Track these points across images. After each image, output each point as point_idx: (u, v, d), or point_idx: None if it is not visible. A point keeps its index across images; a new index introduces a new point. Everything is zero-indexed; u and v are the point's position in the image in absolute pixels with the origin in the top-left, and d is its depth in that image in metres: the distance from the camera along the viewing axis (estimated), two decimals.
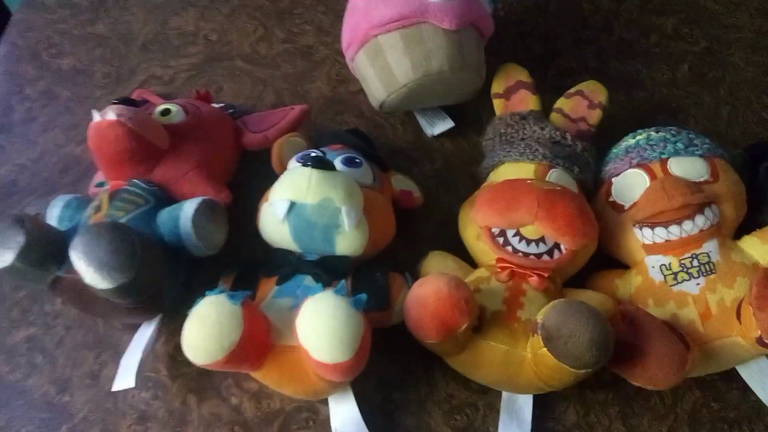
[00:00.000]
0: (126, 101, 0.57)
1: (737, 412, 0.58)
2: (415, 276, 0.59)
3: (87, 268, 0.45)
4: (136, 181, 0.56)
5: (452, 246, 0.62)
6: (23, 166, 0.68)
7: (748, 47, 0.82)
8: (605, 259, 0.61)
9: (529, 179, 0.58)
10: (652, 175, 0.59)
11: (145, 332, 0.55)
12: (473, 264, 0.60)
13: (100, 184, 0.60)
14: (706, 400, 0.58)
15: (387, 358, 0.57)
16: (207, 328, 0.47)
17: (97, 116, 0.54)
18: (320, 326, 0.46)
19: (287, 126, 0.65)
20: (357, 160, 0.60)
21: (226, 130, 0.64)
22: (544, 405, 0.56)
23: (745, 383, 0.56)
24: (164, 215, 0.54)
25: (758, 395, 0.56)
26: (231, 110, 0.69)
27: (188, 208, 0.53)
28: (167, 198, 0.57)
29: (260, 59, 0.78)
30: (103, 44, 0.78)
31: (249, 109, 0.71)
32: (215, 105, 0.69)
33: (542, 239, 0.56)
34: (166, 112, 0.61)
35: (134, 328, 0.56)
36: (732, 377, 0.57)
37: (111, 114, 0.53)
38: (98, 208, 0.54)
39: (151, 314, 0.55)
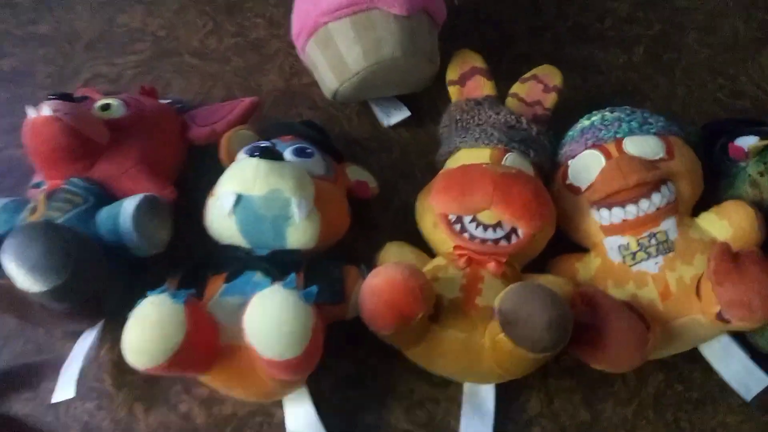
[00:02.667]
0: (63, 96, 0.54)
1: (701, 392, 0.57)
2: (372, 268, 0.57)
3: (18, 271, 0.43)
4: (74, 179, 0.54)
5: (411, 236, 0.60)
6: None
7: (701, 29, 0.82)
8: (565, 243, 0.60)
9: (485, 163, 0.57)
10: (608, 155, 0.58)
11: (86, 340, 0.53)
12: (432, 254, 0.59)
13: (38, 185, 0.57)
14: (669, 381, 0.58)
15: (344, 355, 0.56)
16: (148, 330, 0.44)
17: (32, 112, 0.52)
18: (267, 321, 0.44)
19: (236, 118, 0.63)
20: (308, 151, 0.58)
21: (170, 124, 0.62)
22: (506, 395, 0.55)
23: (708, 363, 0.56)
24: (103, 214, 0.52)
25: (721, 375, 0.55)
26: (179, 105, 0.67)
27: (128, 205, 0.51)
28: (108, 196, 0.55)
29: (209, 54, 0.76)
30: (46, 44, 0.76)
31: (199, 104, 0.69)
32: (162, 101, 0.66)
33: (499, 224, 0.55)
34: (105, 107, 0.58)
35: (76, 336, 0.53)
36: (695, 358, 0.57)
37: (46, 110, 0.51)
38: (34, 210, 0.52)
39: (92, 320, 0.53)
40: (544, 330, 0.45)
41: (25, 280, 0.43)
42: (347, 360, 0.56)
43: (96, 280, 0.49)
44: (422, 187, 0.63)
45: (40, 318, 0.51)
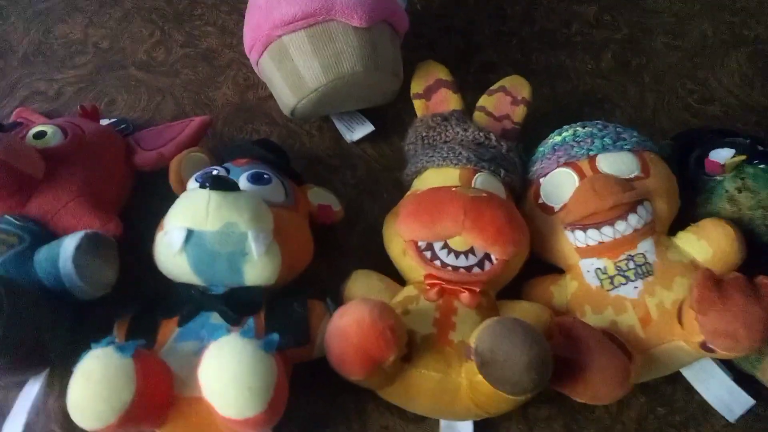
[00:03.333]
0: None
1: (684, 414, 0.55)
2: (339, 300, 0.54)
3: None
4: (7, 216, 0.49)
5: (379, 260, 0.57)
6: None
7: (669, 32, 0.80)
8: (538, 263, 0.58)
9: (454, 186, 0.54)
10: (581, 174, 0.56)
11: (31, 390, 0.48)
12: (402, 280, 0.56)
13: None
14: (651, 405, 0.56)
15: (312, 394, 0.52)
16: (93, 388, 0.40)
17: None
18: (224, 377, 0.40)
19: (186, 140, 0.59)
20: (266, 176, 0.54)
21: (113, 150, 0.57)
22: (485, 427, 0.52)
23: (689, 384, 0.54)
24: (41, 255, 0.47)
25: (703, 396, 0.54)
26: (123, 125, 0.62)
27: (68, 245, 0.46)
28: (46, 234, 0.50)
29: (157, 66, 0.71)
30: None
31: (146, 123, 0.64)
32: (105, 121, 0.61)
33: (471, 250, 0.52)
34: (40, 135, 0.53)
35: (19, 387, 0.49)
36: (675, 379, 0.55)
37: None
38: None
39: (35, 370, 0.48)
40: (524, 372, 0.43)
41: None
42: (315, 398, 0.53)
43: (35, 329, 0.44)
44: (389, 206, 0.60)
45: None
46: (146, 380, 0.42)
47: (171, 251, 0.48)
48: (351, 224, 0.62)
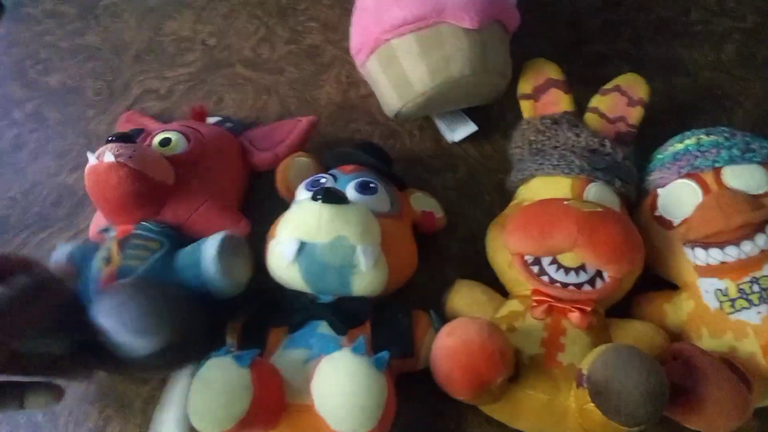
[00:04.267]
0: (122, 137, 0.51)
1: None
2: (440, 311, 0.54)
3: (122, 334, 0.42)
4: (145, 223, 0.52)
5: (479, 267, 0.56)
6: (14, 200, 0.64)
7: None
8: (649, 275, 0.55)
9: (566, 199, 0.52)
10: (705, 187, 0.52)
11: (181, 384, 0.49)
12: (503, 290, 0.55)
13: (106, 230, 0.54)
14: (766, 429, 0.53)
15: (414, 402, 0.52)
16: (213, 395, 0.42)
17: (92, 159, 0.49)
18: (338, 393, 0.41)
19: (297, 141, 0.60)
20: (372, 185, 0.54)
21: (232, 151, 0.59)
22: None
23: None
24: (183, 260, 0.50)
25: None
26: (229, 125, 0.63)
27: (209, 249, 0.48)
28: (182, 237, 0.52)
29: (263, 64, 0.72)
30: (94, 56, 0.73)
31: (247, 121, 0.65)
32: (210, 120, 0.63)
33: (582, 267, 0.50)
34: (165, 142, 0.55)
35: (140, 378, 0.52)
36: None
37: (109, 156, 0.48)
38: (108, 260, 0.50)
39: (181, 367, 0.50)
40: (640, 404, 0.41)
41: (129, 343, 0.42)
42: (417, 406, 0.53)
43: (198, 333, 0.47)
44: (491, 210, 0.59)
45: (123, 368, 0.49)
46: (262, 388, 0.43)
47: (283, 261, 0.49)
48: (451, 229, 0.61)
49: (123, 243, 0.50)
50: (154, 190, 0.51)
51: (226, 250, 0.48)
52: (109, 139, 0.51)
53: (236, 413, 0.42)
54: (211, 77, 0.71)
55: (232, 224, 0.53)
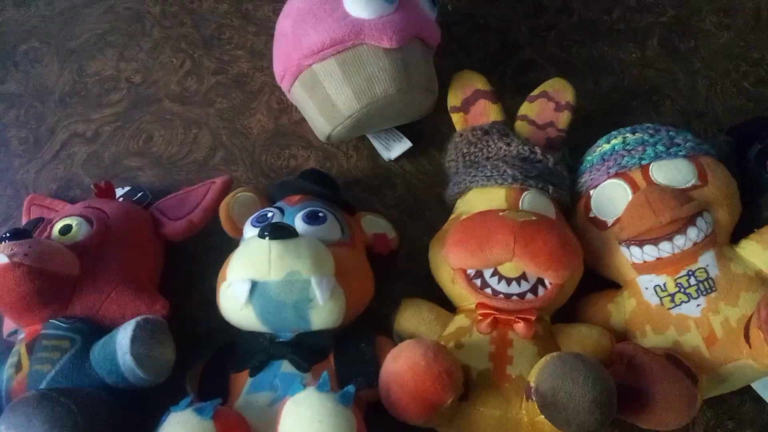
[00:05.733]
0: (16, 234, 0.48)
1: (754, 427, 0.54)
2: (390, 333, 0.53)
3: None
4: (53, 321, 0.49)
5: (426, 284, 0.56)
6: None
7: (719, 10, 0.76)
8: (590, 275, 0.55)
9: (501, 210, 0.52)
10: (634, 186, 0.53)
11: None
12: (451, 305, 0.55)
13: (14, 332, 0.51)
14: (720, 419, 0.54)
15: (373, 427, 0.51)
16: None
17: None
18: None
19: (212, 204, 0.57)
20: (321, 214, 0.53)
21: (141, 227, 0.56)
22: None
23: (758, 395, 0.52)
24: (97, 355, 0.47)
25: None
26: (140, 193, 0.61)
27: (122, 339, 0.45)
28: (95, 329, 0.49)
29: (191, 97, 0.70)
30: (16, 104, 0.71)
31: (158, 186, 0.63)
32: (120, 191, 0.61)
33: (524, 276, 0.50)
34: (66, 230, 0.52)
35: None
36: (744, 390, 0.53)
37: (2, 257, 0.45)
38: (18, 366, 0.47)
39: None
40: (588, 412, 0.41)
41: None
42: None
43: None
44: (432, 225, 0.59)
45: None
46: None
47: (237, 304, 0.48)
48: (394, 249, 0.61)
49: (32, 346, 0.48)
50: (57, 285, 0.48)
51: (141, 337, 0.46)
52: (2, 237, 0.47)
53: None
54: (138, 115, 0.69)
55: (147, 307, 0.51)
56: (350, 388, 0.42)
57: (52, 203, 0.61)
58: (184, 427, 0.41)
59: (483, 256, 0.50)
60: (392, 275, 0.59)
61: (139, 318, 0.47)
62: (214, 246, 0.56)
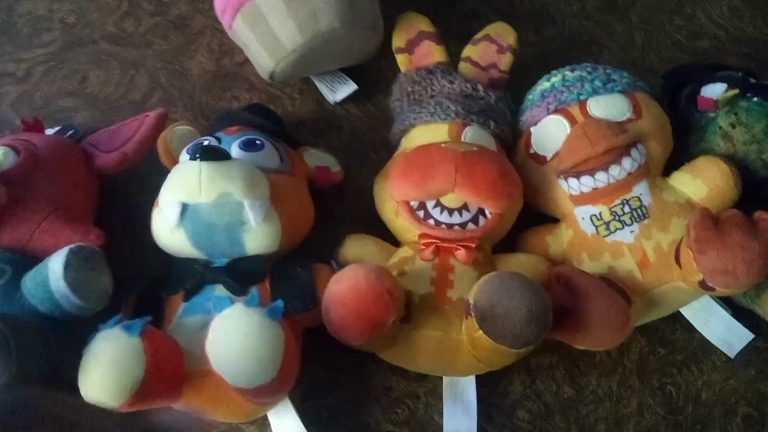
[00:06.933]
0: None
1: (684, 353, 0.56)
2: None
3: None
4: None
5: (372, 223, 0.56)
6: None
7: None
8: (531, 213, 0.57)
9: (444, 142, 0.53)
10: (572, 120, 0.54)
11: None
12: (396, 242, 0.55)
13: None
14: (652, 346, 0.56)
15: (314, 360, 0.52)
16: (104, 369, 0.40)
17: None
18: (232, 348, 0.40)
19: (147, 136, 0.55)
20: (258, 142, 0.52)
21: (72, 158, 0.54)
22: (487, 381, 0.52)
23: (689, 323, 0.55)
24: (29, 283, 0.45)
25: (703, 333, 0.54)
26: (71, 131, 0.58)
27: (55, 265, 0.44)
28: (26, 260, 0.47)
29: (128, 38, 0.68)
30: None
31: (93, 128, 0.60)
32: (50, 131, 0.58)
33: (465, 207, 0.51)
34: None
35: None
36: (675, 318, 0.55)
37: None
38: None
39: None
40: (524, 324, 0.42)
41: None
42: (318, 364, 0.53)
43: (47, 359, 0.42)
44: (378, 167, 0.59)
45: None
46: (156, 357, 0.41)
47: (168, 227, 0.47)
48: (340, 189, 0.61)
49: None
50: None
51: (75, 263, 0.44)
52: None
53: (130, 384, 0.40)
54: (72, 56, 0.66)
55: (81, 236, 0.49)
56: (278, 303, 0.42)
57: None
58: (112, 344, 0.41)
59: (425, 186, 0.50)
60: (337, 216, 0.60)
61: (72, 245, 0.45)
62: (150, 187, 0.54)
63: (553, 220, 0.57)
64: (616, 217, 0.52)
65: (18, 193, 0.48)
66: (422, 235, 0.52)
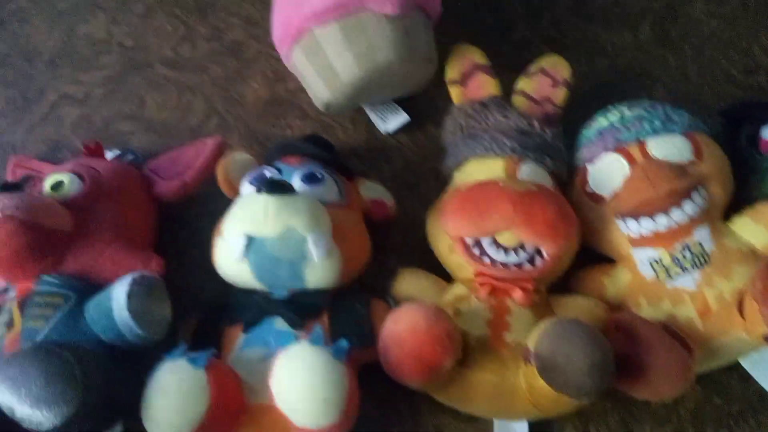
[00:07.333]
0: (6, 187, 0.47)
1: (741, 404, 0.54)
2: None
3: (21, 408, 0.38)
4: (46, 277, 0.47)
5: (422, 255, 0.56)
6: None
7: None
8: (585, 251, 0.56)
9: (500, 179, 0.53)
10: (631, 160, 0.54)
11: None
12: (448, 277, 0.55)
13: (5, 290, 0.50)
14: (708, 395, 0.54)
15: (365, 394, 0.51)
16: (168, 401, 0.41)
17: None
18: (298, 387, 0.40)
19: (205, 164, 0.56)
20: (318, 175, 0.53)
21: (134, 186, 0.55)
22: (539, 425, 0.51)
23: (746, 372, 0.53)
24: (93, 312, 0.45)
25: (761, 384, 0.53)
26: (131, 156, 0.60)
27: (119, 295, 0.44)
28: (89, 286, 0.48)
29: (185, 63, 0.69)
30: (4, 63, 0.69)
31: (150, 151, 0.62)
32: (110, 154, 0.59)
33: (521, 246, 0.51)
34: (57, 186, 0.50)
35: None
36: (732, 367, 0.53)
37: None
38: (10, 324, 0.46)
39: (108, 426, 0.46)
40: (586, 375, 0.42)
41: (29, 417, 0.38)
42: (369, 399, 0.51)
43: (107, 390, 0.43)
44: (429, 198, 0.59)
45: None
46: (219, 390, 0.42)
47: (232, 258, 0.48)
48: (391, 219, 0.60)
49: (24, 303, 0.46)
50: (50, 240, 0.47)
51: (137, 292, 0.45)
52: None
53: (193, 418, 0.41)
54: (130, 79, 0.68)
55: (143, 264, 0.49)
56: (343, 342, 0.42)
57: (37, 165, 0.60)
58: (177, 375, 0.41)
59: (482, 224, 0.50)
60: (388, 248, 0.59)
61: (135, 274, 0.46)
62: (211, 212, 0.54)
63: (609, 260, 0.56)
64: (677, 263, 0.51)
65: (82, 220, 0.49)
66: (478, 273, 0.51)
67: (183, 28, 0.71)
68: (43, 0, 0.73)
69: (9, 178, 0.59)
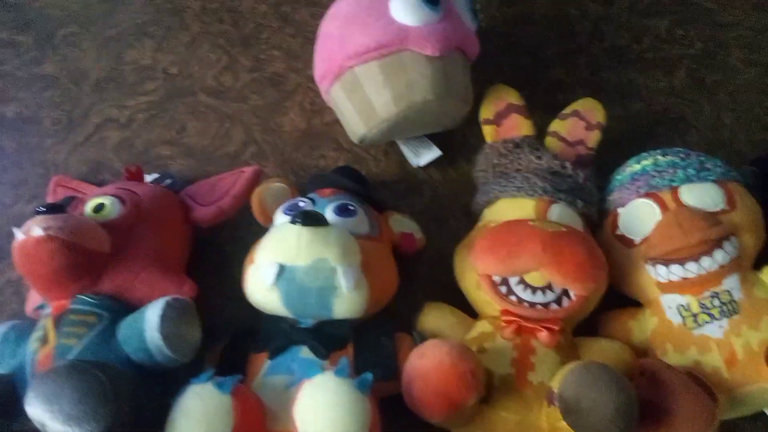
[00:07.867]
0: (51, 208, 0.48)
1: None
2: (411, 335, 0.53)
3: (52, 423, 0.39)
4: (82, 296, 0.49)
5: (447, 289, 0.57)
6: None
7: (745, 46, 0.77)
8: (612, 293, 0.56)
9: (531, 220, 0.53)
10: (663, 206, 0.54)
11: None
12: (473, 313, 0.55)
13: (41, 307, 0.51)
14: None
15: (386, 427, 0.52)
16: (193, 424, 0.42)
17: (20, 234, 0.46)
18: (322, 417, 0.41)
19: (241, 192, 0.58)
20: (351, 208, 0.54)
21: (172, 211, 0.56)
22: None
23: None
24: (125, 332, 0.47)
25: None
26: (168, 181, 0.62)
27: (151, 317, 0.46)
28: (123, 307, 0.49)
29: (226, 92, 0.71)
30: (52, 86, 0.72)
31: (188, 176, 0.64)
32: (148, 178, 0.61)
33: (549, 286, 0.51)
34: (99, 208, 0.52)
35: None
36: (756, 416, 0.53)
37: (37, 229, 0.45)
38: (44, 339, 0.47)
39: None
40: (611, 421, 0.41)
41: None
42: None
43: (134, 409, 0.43)
44: (457, 233, 0.59)
45: None
46: (243, 416, 0.42)
47: (263, 286, 0.49)
48: (419, 253, 0.61)
49: (59, 320, 0.48)
50: (89, 261, 0.48)
51: (170, 315, 0.46)
52: (38, 210, 0.48)
53: None
54: (172, 106, 0.70)
55: (176, 288, 0.51)
56: (368, 375, 0.43)
57: (78, 185, 0.62)
58: (203, 400, 0.42)
59: (511, 263, 0.50)
60: (415, 281, 0.60)
61: (168, 297, 0.47)
62: (241, 238, 0.56)
63: (636, 304, 0.56)
64: (705, 310, 0.51)
65: (121, 242, 0.51)
66: (504, 312, 0.51)
67: (226, 58, 0.74)
68: (94, 26, 0.76)
69: (50, 195, 0.62)
